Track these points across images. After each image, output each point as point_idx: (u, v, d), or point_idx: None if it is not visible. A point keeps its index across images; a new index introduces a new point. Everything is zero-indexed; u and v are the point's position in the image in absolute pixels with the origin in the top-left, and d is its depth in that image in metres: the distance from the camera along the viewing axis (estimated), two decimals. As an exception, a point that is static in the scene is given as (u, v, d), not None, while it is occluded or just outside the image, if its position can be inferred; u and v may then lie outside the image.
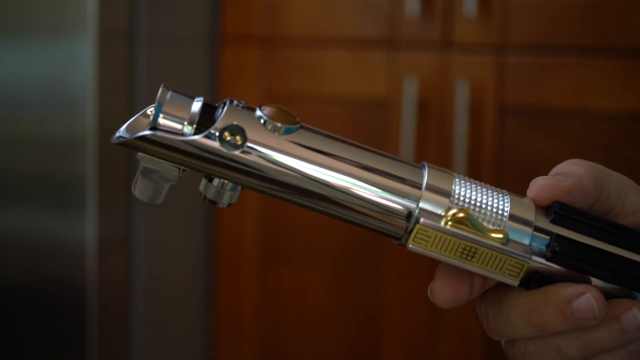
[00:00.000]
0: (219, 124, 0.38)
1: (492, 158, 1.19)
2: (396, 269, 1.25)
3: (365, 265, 1.28)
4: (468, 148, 1.18)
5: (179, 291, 1.33)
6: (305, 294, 1.32)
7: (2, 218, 1.16)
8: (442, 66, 1.21)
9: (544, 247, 0.39)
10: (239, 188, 0.40)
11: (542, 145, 1.17)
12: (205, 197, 0.40)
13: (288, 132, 0.39)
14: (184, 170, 0.40)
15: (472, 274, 0.40)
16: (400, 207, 0.39)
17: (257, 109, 0.39)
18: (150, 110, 0.39)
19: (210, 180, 0.40)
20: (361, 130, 1.26)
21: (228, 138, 0.38)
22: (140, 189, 0.40)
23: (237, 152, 0.38)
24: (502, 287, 0.40)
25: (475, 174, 1.19)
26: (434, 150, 1.21)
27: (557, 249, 0.39)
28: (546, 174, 0.42)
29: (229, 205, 0.41)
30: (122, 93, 1.16)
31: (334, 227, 1.28)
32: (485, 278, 0.40)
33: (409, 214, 0.39)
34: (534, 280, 0.39)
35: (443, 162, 1.21)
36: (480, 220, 0.39)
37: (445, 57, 1.21)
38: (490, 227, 0.39)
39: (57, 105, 1.12)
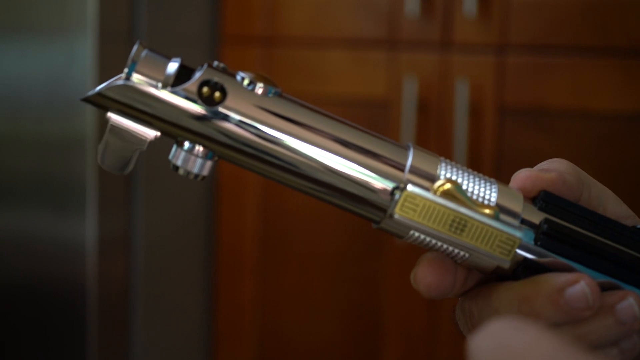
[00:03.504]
0: (198, 79, 0.36)
1: (492, 158, 1.19)
2: (396, 269, 1.25)
3: (365, 265, 1.28)
4: (468, 148, 1.18)
5: (179, 291, 1.33)
6: (305, 293, 1.32)
7: (2, 218, 1.16)
8: (442, 66, 1.21)
9: (532, 236, 0.38)
10: (215, 158, 0.37)
11: (541, 145, 1.17)
12: (176, 167, 0.37)
13: (269, 94, 0.36)
14: (157, 135, 0.36)
15: (456, 265, 0.38)
16: (383, 185, 0.37)
17: (239, 72, 0.37)
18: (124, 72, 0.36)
19: (183, 146, 0.37)
20: (361, 130, 1.26)
21: (207, 94, 0.36)
22: (107, 156, 0.37)
23: (216, 109, 0.36)
24: (486, 283, 0.39)
25: (475, 174, 1.19)
26: (433, 150, 1.21)
27: (548, 232, 0.37)
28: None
29: (201, 177, 0.37)
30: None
31: (334, 226, 1.28)
32: (467, 274, 0.39)
33: (392, 192, 0.37)
34: (522, 269, 0.38)
35: (443, 162, 1.21)
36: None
37: (445, 57, 1.21)
38: (480, 203, 0.37)
39: (57, 105, 1.12)
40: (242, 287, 1.35)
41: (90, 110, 1.10)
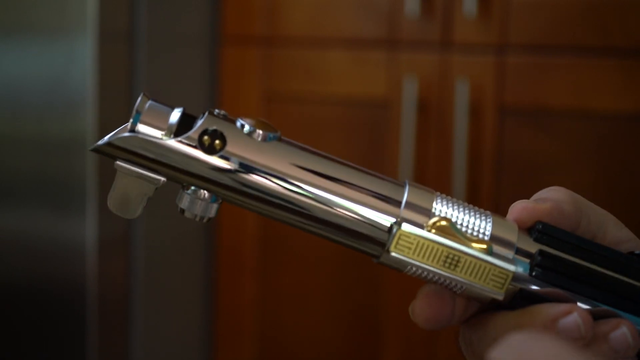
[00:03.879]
0: (198, 128, 0.38)
1: (492, 158, 1.19)
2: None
3: (365, 265, 1.28)
4: (468, 148, 1.18)
5: (179, 291, 1.33)
6: (305, 293, 1.32)
7: (2, 218, 1.16)
8: (442, 66, 1.21)
9: (527, 267, 0.39)
10: (219, 201, 0.39)
11: (542, 145, 1.17)
12: (182, 211, 0.40)
13: (269, 140, 0.38)
14: (163, 181, 0.39)
15: (454, 297, 0.39)
16: (380, 222, 0.39)
17: (238, 119, 0.39)
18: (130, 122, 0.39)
19: (188, 190, 0.39)
20: (361, 130, 1.26)
21: (207, 142, 0.38)
22: (115, 201, 0.40)
23: (216, 156, 0.38)
24: (485, 311, 0.40)
25: (475, 174, 1.19)
26: (434, 150, 1.21)
27: (542, 264, 0.38)
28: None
29: (208, 220, 0.40)
30: (122, 93, 1.16)
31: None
32: (467, 303, 0.40)
33: (389, 229, 0.39)
34: (519, 299, 0.39)
35: (443, 162, 1.21)
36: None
37: (445, 57, 1.21)
38: (474, 238, 0.38)
39: (57, 105, 1.12)
40: (242, 287, 1.35)
41: (90, 110, 1.10)
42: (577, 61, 1.15)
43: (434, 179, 1.21)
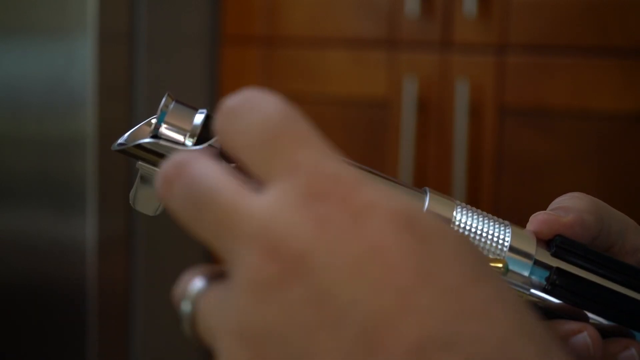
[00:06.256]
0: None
1: (492, 158, 1.19)
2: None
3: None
4: (468, 148, 1.18)
5: (179, 291, 1.33)
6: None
7: (2, 218, 1.16)
8: (442, 66, 1.21)
9: (543, 280, 0.39)
10: None
11: (542, 145, 1.17)
12: None
13: None
14: None
15: None
16: None
17: None
18: (153, 120, 0.39)
19: None
20: (361, 130, 1.26)
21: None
22: (138, 199, 0.40)
23: (235, 165, 0.38)
24: None
25: (475, 174, 1.19)
26: (433, 151, 1.21)
27: (557, 282, 0.38)
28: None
29: None
30: (122, 93, 1.16)
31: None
32: None
33: None
34: None
35: (443, 162, 1.21)
36: (480, 248, 0.39)
37: (445, 57, 1.21)
38: (490, 256, 0.39)
39: (57, 105, 1.12)
40: (242, 287, 1.35)
41: (90, 110, 1.10)
42: (577, 61, 1.15)
43: (434, 179, 1.21)
